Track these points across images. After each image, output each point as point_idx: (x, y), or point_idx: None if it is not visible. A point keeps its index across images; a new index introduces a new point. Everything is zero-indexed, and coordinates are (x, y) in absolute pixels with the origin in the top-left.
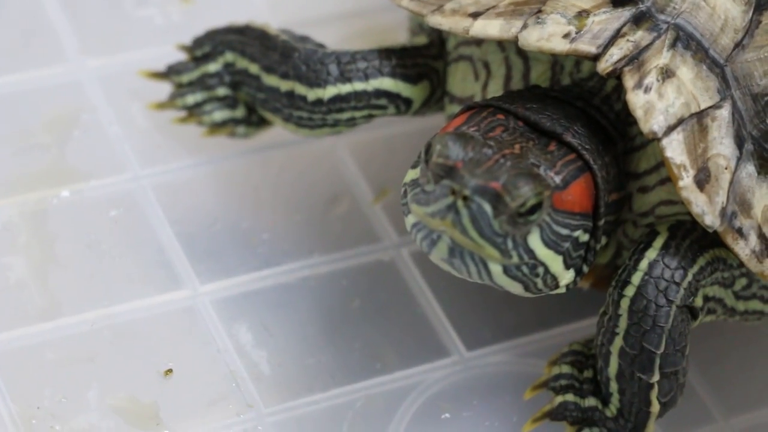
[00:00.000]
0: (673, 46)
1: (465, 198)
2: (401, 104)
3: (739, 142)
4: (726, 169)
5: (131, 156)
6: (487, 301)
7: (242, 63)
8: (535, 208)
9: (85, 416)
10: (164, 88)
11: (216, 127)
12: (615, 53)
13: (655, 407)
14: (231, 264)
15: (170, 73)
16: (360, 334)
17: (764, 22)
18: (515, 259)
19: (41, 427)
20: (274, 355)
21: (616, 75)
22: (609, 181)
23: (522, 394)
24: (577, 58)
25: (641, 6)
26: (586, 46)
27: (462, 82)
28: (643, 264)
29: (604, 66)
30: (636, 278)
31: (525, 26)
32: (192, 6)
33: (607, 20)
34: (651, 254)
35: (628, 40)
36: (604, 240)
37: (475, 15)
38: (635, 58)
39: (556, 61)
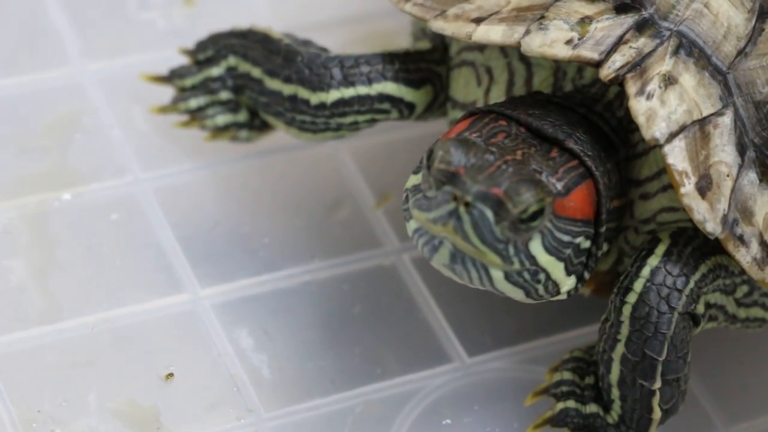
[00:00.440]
0: (675, 53)
1: (467, 204)
2: (404, 109)
3: (741, 149)
4: (728, 176)
5: (133, 159)
6: (489, 307)
7: (245, 67)
8: (537, 214)
9: (86, 420)
10: (166, 92)
11: (218, 131)
12: (617, 60)
13: (657, 414)
14: (232, 268)
15: (173, 76)
16: (361, 340)
17: (767, 29)
18: (517, 266)
19: (41, 431)
20: (274, 359)
21: (619, 82)
22: (611, 187)
23: (523, 400)
24: (580, 65)
25: (644, 13)
26: (589, 53)
27: (464, 87)
28: (645, 271)
29: (607, 72)
30: (638, 285)
31: (528, 32)
32: (195, 10)
33: (609, 27)
34: (653, 261)
35: (630, 47)
36: (605, 247)
37: (478, 20)
38: (638, 65)
39: (558, 67)
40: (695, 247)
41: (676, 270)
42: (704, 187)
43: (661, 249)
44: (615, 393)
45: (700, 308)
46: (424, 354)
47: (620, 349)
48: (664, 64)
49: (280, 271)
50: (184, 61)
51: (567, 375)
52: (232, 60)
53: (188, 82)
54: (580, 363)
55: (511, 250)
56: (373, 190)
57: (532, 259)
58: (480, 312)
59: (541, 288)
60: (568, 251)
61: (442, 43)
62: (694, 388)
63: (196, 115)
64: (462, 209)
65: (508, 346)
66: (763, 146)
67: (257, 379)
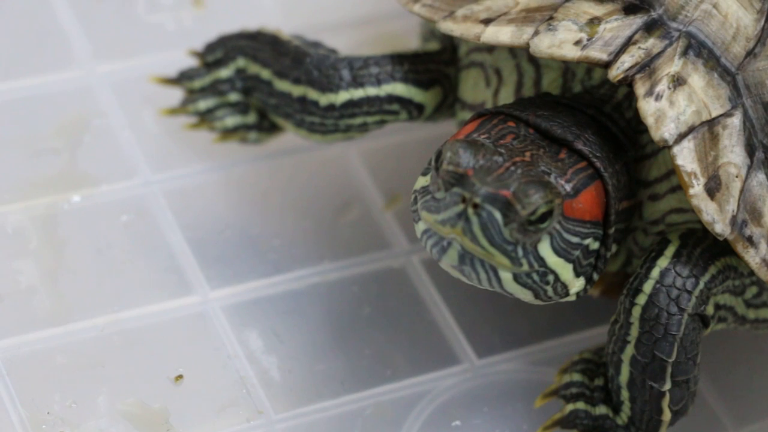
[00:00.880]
0: (684, 53)
1: (475, 206)
2: (413, 110)
3: (750, 150)
4: (737, 177)
5: (142, 161)
6: (498, 308)
7: (254, 68)
8: (546, 216)
9: (95, 422)
10: (176, 94)
11: (227, 133)
12: (626, 60)
13: (667, 416)
14: (241, 270)
15: (182, 78)
16: (370, 341)
17: None
18: (525, 267)
19: None
20: (284, 361)
21: (628, 82)
22: (620, 189)
23: (532, 402)
24: (589, 66)
25: (653, 14)
26: (598, 54)
27: (473, 88)
28: (655, 272)
29: (616, 73)
30: (647, 286)
31: (536, 33)
32: (204, 12)
33: (618, 27)
34: (662, 263)
35: (639, 48)
36: (614, 248)
37: (487, 21)
38: (646, 66)
39: (567, 68)
40: (704, 248)
41: (685, 271)
42: (713, 188)
43: (670, 250)
44: (624, 394)
45: (710, 309)
46: (434, 355)
47: (630, 350)
48: (673, 65)
49: (289, 273)
50: (193, 63)
51: (576, 377)
52: (241, 62)
53: (197, 84)
54: (589, 364)
55: (520, 252)
56: (382, 191)
57: (541, 261)
58: (489, 313)
59: (549, 289)
60: (577, 253)
61: (451, 45)
62: (704, 389)
63: (205, 117)
64: (470, 211)
65: (517, 347)
66: None
67: (267, 381)
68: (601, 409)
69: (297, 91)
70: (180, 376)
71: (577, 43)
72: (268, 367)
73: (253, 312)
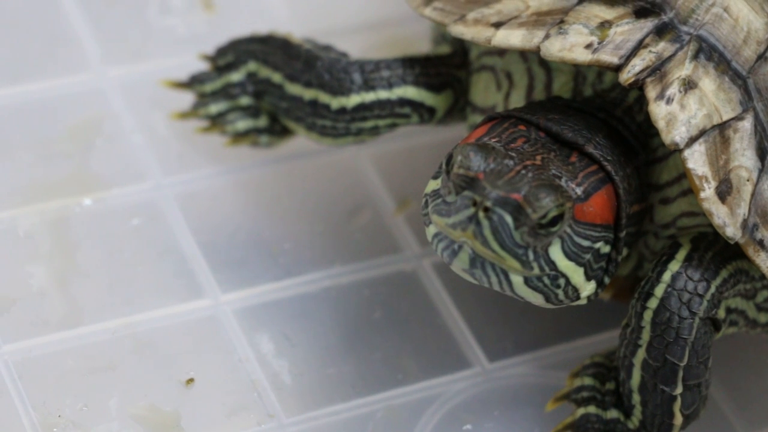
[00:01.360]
0: (695, 57)
1: (486, 209)
2: (425, 113)
3: (761, 154)
4: (748, 180)
5: (153, 165)
6: (509, 312)
7: (265, 72)
8: (557, 219)
9: (106, 425)
10: (187, 98)
11: (239, 137)
12: (637, 64)
13: (678, 420)
14: (253, 273)
15: (193, 82)
16: (381, 345)
17: None
18: (536, 271)
19: None
20: (295, 364)
21: (639, 86)
22: (631, 192)
23: (544, 406)
24: (600, 69)
25: (664, 17)
26: (609, 57)
27: (484, 92)
28: (666, 276)
29: (627, 77)
30: (659, 290)
31: (547, 36)
32: (215, 16)
33: (629, 31)
34: (674, 266)
35: (650, 51)
36: (625, 251)
37: (498, 25)
38: (657, 69)
39: (578, 71)
40: (716, 252)
41: (697, 275)
42: (724, 191)
43: (681, 254)
44: (636, 398)
45: (721, 313)
46: (445, 359)
47: (641, 354)
48: (683, 69)
49: (300, 277)
50: (204, 66)
51: (588, 380)
52: (252, 65)
53: (208, 87)
54: (600, 368)
55: (531, 255)
56: (393, 195)
57: (552, 264)
58: (500, 317)
59: (560, 293)
60: (588, 256)
61: (462, 48)
62: (715, 393)
63: (216, 121)
64: (481, 214)
65: (528, 351)
66: None
67: (278, 385)
68: (613, 413)
69: (308, 94)
70: (191, 380)
71: (588, 46)
72: (279, 370)
73: (264, 315)
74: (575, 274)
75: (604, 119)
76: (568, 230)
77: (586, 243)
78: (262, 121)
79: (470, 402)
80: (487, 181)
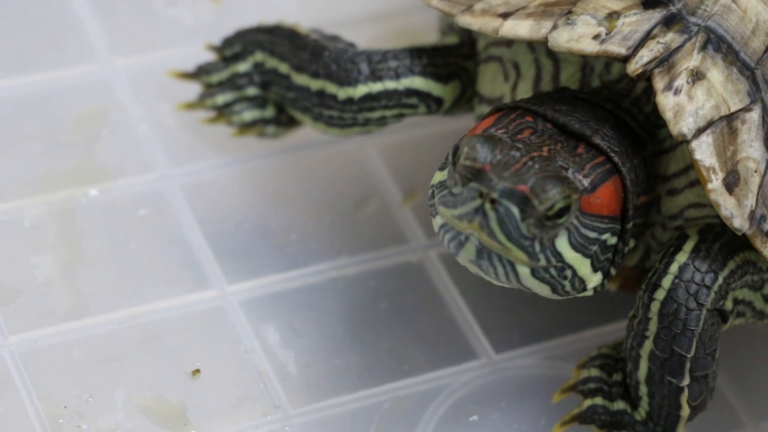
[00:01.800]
0: (703, 48)
1: (493, 201)
2: (432, 103)
3: None
4: (755, 172)
5: (160, 155)
6: (516, 303)
7: (272, 62)
8: (563, 211)
9: (112, 416)
10: (193, 88)
11: (245, 127)
12: (645, 55)
13: (685, 411)
14: (259, 264)
15: (200, 73)
16: (388, 336)
17: None
18: (543, 262)
19: (68, 427)
20: (301, 355)
21: (646, 77)
22: (638, 183)
23: (550, 397)
24: (607, 60)
25: (672, 8)
26: (616, 48)
27: (491, 82)
28: (674, 267)
29: (634, 68)
30: (666, 282)
31: (555, 27)
32: (221, 6)
33: (637, 22)
34: (681, 258)
35: (658, 42)
36: (632, 243)
37: (505, 15)
38: (665, 60)
39: (585, 62)
40: (723, 243)
41: (704, 266)
42: (732, 183)
43: (689, 245)
44: (643, 390)
45: (729, 304)
46: (451, 350)
47: (648, 345)
48: (691, 60)
49: (307, 268)
50: (211, 57)
51: (594, 372)
52: (259, 56)
53: (215, 78)
54: (607, 360)
55: (537, 247)
56: (400, 186)
57: (558, 256)
58: (507, 308)
59: (567, 284)
60: (595, 248)
61: (469, 38)
62: (723, 385)
63: (223, 111)
64: (488, 206)
65: (535, 342)
66: None
67: (284, 376)
68: (620, 405)
69: (315, 84)
70: (197, 371)
71: (596, 37)
72: (285, 361)
73: (271, 306)
74: (582, 265)
75: (612, 110)
76: (575, 222)
77: (592, 234)
78: (269, 112)
79: (477, 393)
80: (493, 173)
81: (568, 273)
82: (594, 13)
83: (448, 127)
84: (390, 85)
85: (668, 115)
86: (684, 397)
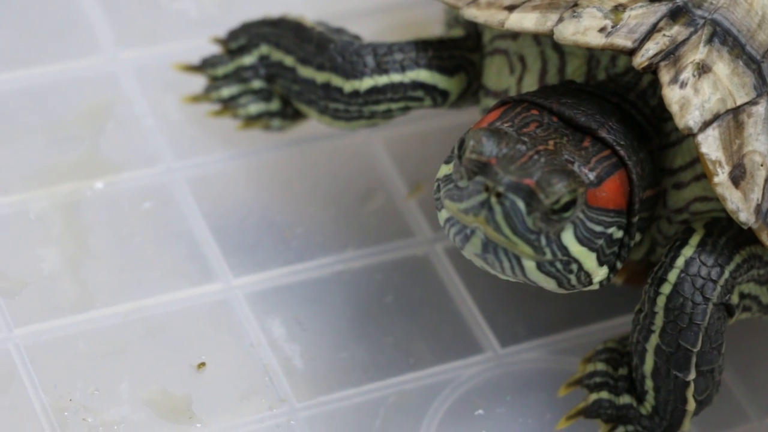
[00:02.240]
0: (709, 41)
1: (498, 195)
2: (438, 96)
3: None
4: (762, 165)
5: (165, 148)
6: (521, 297)
7: (277, 55)
8: (569, 205)
9: (118, 409)
10: (199, 81)
11: (251, 120)
12: (651, 48)
13: (691, 405)
14: (264, 257)
15: (205, 66)
16: (393, 330)
17: None
18: (549, 256)
19: (73, 420)
20: (307, 349)
21: (652, 70)
22: (644, 177)
23: (556, 391)
24: (613, 53)
25: (678, 1)
26: (622, 41)
27: (497, 75)
28: (680, 261)
29: (640, 61)
30: (672, 276)
31: (561, 20)
32: None
33: (643, 15)
34: (687, 252)
35: (664, 35)
36: (638, 237)
37: (511, 8)
38: (671, 53)
39: (591, 55)
40: (729, 237)
41: (710, 260)
42: (738, 176)
43: (695, 239)
44: (649, 384)
45: (735, 299)
46: (457, 344)
47: (654, 340)
48: (697, 53)
49: (312, 261)
50: (216, 50)
51: (600, 366)
52: (264, 48)
53: (220, 71)
54: (613, 354)
55: (543, 241)
56: (406, 180)
57: (564, 250)
58: (513, 302)
59: (573, 278)
60: (601, 241)
61: (475, 31)
62: (728, 379)
63: (228, 104)
64: (493, 200)
65: (540, 336)
66: None
67: (290, 369)
68: (625, 399)
69: (321, 77)
70: (203, 364)
71: (602, 30)
72: (290, 355)
73: (276, 300)
74: (588, 259)
75: (618, 103)
76: (581, 215)
77: (598, 228)
78: (274, 105)
79: (482, 387)
80: (499, 167)
81: (574, 267)
82: (600, 6)
83: (453, 121)
84: (396, 77)
85: (674, 108)
86: (690, 392)
